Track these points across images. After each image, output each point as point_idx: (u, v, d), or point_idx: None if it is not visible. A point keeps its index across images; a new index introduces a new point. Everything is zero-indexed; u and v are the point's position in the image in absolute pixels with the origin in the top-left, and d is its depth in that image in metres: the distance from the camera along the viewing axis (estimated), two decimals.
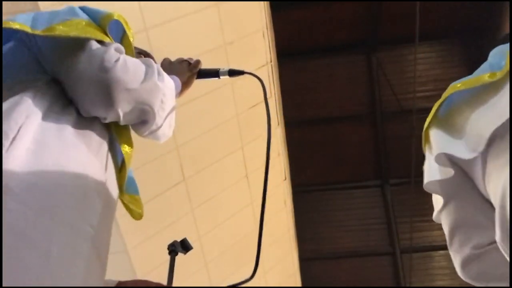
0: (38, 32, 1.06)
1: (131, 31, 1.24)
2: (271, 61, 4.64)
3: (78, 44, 1.08)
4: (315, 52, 7.00)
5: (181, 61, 1.42)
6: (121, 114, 1.11)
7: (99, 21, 1.15)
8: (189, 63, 1.42)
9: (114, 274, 1.33)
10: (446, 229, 1.21)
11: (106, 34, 1.14)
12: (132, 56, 1.20)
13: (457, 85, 1.19)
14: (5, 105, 0.96)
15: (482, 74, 1.13)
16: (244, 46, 4.30)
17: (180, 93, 1.35)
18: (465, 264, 1.14)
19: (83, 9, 1.18)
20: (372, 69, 7.12)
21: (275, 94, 4.87)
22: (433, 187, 1.24)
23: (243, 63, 4.39)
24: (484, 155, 1.06)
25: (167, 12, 3.65)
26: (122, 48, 1.15)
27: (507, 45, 1.16)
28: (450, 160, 1.15)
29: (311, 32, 6.74)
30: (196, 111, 4.05)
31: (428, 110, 1.27)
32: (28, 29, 1.06)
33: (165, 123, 1.23)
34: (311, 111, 7.34)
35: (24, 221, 0.81)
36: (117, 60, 1.07)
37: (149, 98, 1.13)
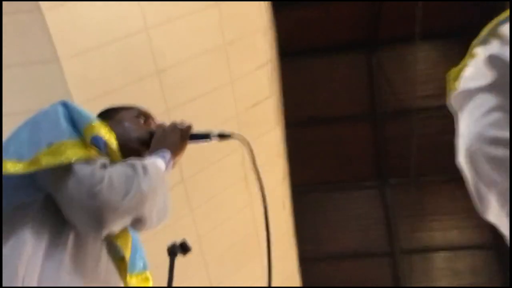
0: (22, 169, 1.11)
1: (112, 138, 1.28)
2: (271, 61, 4.64)
3: (65, 170, 1.13)
4: (315, 52, 6.99)
5: (173, 128, 1.45)
6: (114, 230, 1.19)
7: (82, 132, 1.20)
8: (181, 129, 1.47)
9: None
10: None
11: (89, 148, 1.19)
12: (117, 158, 1.26)
13: None
14: (6, 248, 1.07)
15: None
16: (244, 46, 4.30)
17: (172, 163, 1.42)
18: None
19: (68, 108, 1.22)
20: (372, 69, 7.12)
21: (275, 93, 4.87)
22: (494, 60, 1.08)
23: (243, 63, 4.39)
24: None
25: (167, 12, 3.66)
26: (107, 162, 1.19)
27: None
28: None
29: (311, 32, 6.74)
30: (196, 111, 4.05)
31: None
32: (16, 170, 1.12)
33: (159, 212, 1.29)
34: (311, 111, 7.33)
35: None
36: (101, 181, 1.12)
37: (138, 209, 1.18)
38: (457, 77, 1.20)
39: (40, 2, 2.97)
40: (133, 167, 1.21)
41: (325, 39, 6.85)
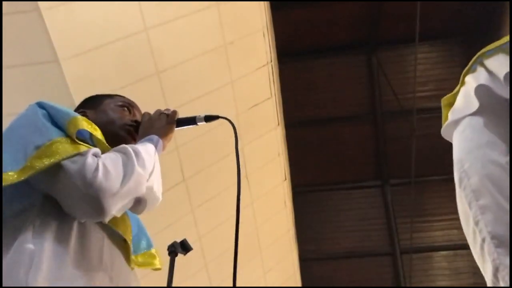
0: (17, 178, 1.12)
1: (96, 129, 1.29)
2: (271, 61, 4.64)
3: (58, 168, 1.14)
4: (315, 52, 7.00)
5: (159, 114, 1.48)
6: (117, 214, 1.20)
7: (65, 130, 1.20)
8: (167, 115, 1.49)
9: None
10: (468, 139, 1.14)
11: (77, 142, 1.20)
12: (106, 149, 1.27)
13: None
14: (10, 254, 1.07)
15: None
16: (244, 46, 4.30)
17: (162, 147, 1.43)
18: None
19: (45, 108, 1.23)
20: (372, 69, 7.12)
21: (275, 94, 4.87)
22: (483, 91, 1.16)
23: (243, 63, 4.39)
24: None
25: (167, 12, 3.66)
26: (98, 151, 1.20)
27: None
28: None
29: (311, 32, 6.74)
30: (196, 112, 4.05)
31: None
32: (12, 180, 1.12)
33: (155, 193, 1.32)
34: (311, 111, 7.34)
35: None
36: (96, 169, 1.14)
37: (136, 190, 1.21)
38: (449, 103, 1.27)
39: (40, 2, 2.97)
40: (125, 152, 1.23)
41: (325, 39, 6.86)
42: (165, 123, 1.47)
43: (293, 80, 6.90)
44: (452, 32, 6.78)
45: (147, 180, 1.24)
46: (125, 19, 3.48)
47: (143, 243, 1.46)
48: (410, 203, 7.17)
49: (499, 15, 6.13)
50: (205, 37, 3.99)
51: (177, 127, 1.51)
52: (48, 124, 1.19)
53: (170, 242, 1.52)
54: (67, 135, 1.19)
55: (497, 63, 1.17)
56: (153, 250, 1.48)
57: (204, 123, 1.56)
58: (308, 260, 7.46)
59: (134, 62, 3.64)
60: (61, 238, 1.14)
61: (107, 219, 1.18)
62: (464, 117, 1.18)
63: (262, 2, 4.30)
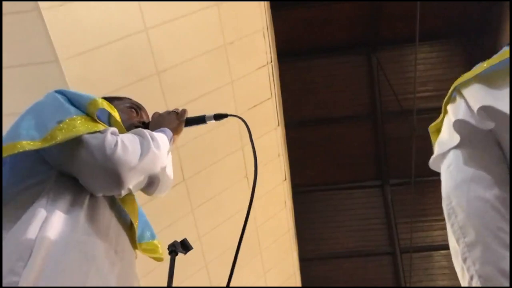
0: (40, 145, 1.16)
1: (114, 111, 1.35)
2: (271, 61, 4.64)
3: (79, 142, 1.19)
4: (315, 52, 7.00)
5: (169, 112, 1.54)
6: (133, 189, 1.26)
7: (86, 110, 1.25)
8: (177, 113, 1.55)
9: None
10: (456, 174, 1.16)
11: (97, 121, 1.26)
12: (123, 132, 1.33)
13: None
14: (18, 223, 1.09)
15: None
16: (244, 46, 4.30)
17: (172, 141, 1.47)
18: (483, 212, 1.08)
19: (64, 94, 1.28)
20: (373, 69, 7.13)
21: (275, 94, 4.87)
22: (461, 125, 1.19)
23: (243, 63, 4.39)
24: None
25: (167, 12, 3.66)
26: (116, 130, 1.27)
27: None
28: (492, 113, 1.12)
29: (311, 32, 6.74)
30: (196, 112, 4.05)
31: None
32: (33, 146, 1.16)
33: (167, 177, 1.37)
34: (311, 111, 7.34)
35: None
36: (116, 144, 1.20)
37: (152, 168, 1.27)
38: (437, 130, 1.33)
39: (40, 2, 2.97)
40: (141, 134, 1.30)
41: (325, 39, 6.86)
42: (175, 119, 1.51)
43: (293, 80, 6.91)
44: (452, 32, 6.78)
45: (162, 162, 1.30)
46: (125, 19, 3.48)
47: (147, 233, 1.50)
48: (410, 203, 7.17)
49: (499, 15, 6.13)
50: (205, 37, 3.99)
51: (186, 125, 1.55)
52: (69, 105, 1.25)
53: (170, 242, 1.52)
54: (88, 114, 1.24)
55: (473, 94, 1.20)
56: (156, 241, 1.52)
57: (213, 121, 1.60)
58: (308, 260, 7.46)
59: (134, 62, 3.64)
60: (73, 210, 1.16)
61: (124, 192, 1.23)
62: (449, 150, 1.21)
63: (262, 2, 4.30)
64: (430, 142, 1.38)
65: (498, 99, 1.11)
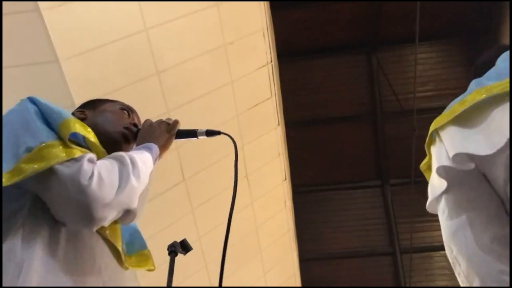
0: (6, 181, 1.08)
1: (89, 132, 1.25)
2: (271, 61, 4.64)
3: (51, 172, 1.10)
4: (315, 52, 7.00)
5: (160, 123, 1.44)
6: (105, 224, 1.17)
7: (58, 132, 1.16)
8: (168, 124, 1.45)
9: None
10: (452, 217, 1.19)
11: (70, 146, 1.15)
12: (102, 154, 1.24)
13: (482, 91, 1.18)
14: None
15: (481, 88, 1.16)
16: (244, 46, 4.30)
17: (159, 156, 1.40)
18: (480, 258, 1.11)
19: (38, 105, 1.19)
20: (372, 69, 7.12)
21: (275, 94, 4.87)
22: (443, 171, 1.22)
23: (243, 63, 4.39)
24: (505, 157, 1.06)
25: (167, 12, 3.65)
26: (93, 157, 1.17)
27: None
28: (468, 157, 1.15)
29: (311, 32, 6.74)
30: (196, 112, 4.05)
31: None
32: (4, 181, 1.08)
33: (143, 206, 1.28)
34: (311, 111, 7.34)
35: None
36: (91, 177, 1.10)
37: (128, 203, 1.18)
38: (428, 167, 1.38)
39: (40, 2, 2.97)
40: (121, 160, 1.20)
41: (325, 39, 6.86)
42: (165, 133, 1.43)
43: (293, 80, 6.90)
44: (452, 32, 6.78)
45: (140, 192, 1.21)
46: (125, 19, 3.48)
47: (137, 244, 1.44)
48: (410, 203, 7.16)
49: (499, 15, 6.13)
50: (205, 37, 3.99)
51: (177, 138, 1.48)
52: (40, 125, 1.15)
53: (170, 242, 1.51)
54: (60, 138, 1.15)
55: (449, 139, 1.23)
56: (146, 251, 1.45)
57: (205, 137, 1.52)
58: (308, 260, 7.46)
59: (134, 62, 3.64)
60: (51, 244, 1.10)
61: (95, 229, 1.16)
62: (440, 195, 1.25)
63: (262, 2, 4.30)
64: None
65: (472, 142, 1.14)
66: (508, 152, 1.06)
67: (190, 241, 1.54)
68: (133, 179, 1.18)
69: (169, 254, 1.48)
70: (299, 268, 6.55)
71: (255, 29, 4.38)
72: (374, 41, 6.92)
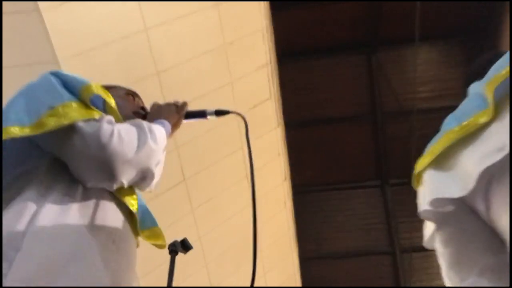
0: (28, 132, 1.08)
1: (110, 97, 1.27)
2: (270, 61, 4.64)
3: (72, 129, 1.11)
4: (315, 52, 7.00)
5: (169, 105, 1.48)
6: (125, 183, 1.18)
7: (79, 95, 1.17)
8: (177, 106, 1.48)
9: None
10: (447, 252, 1.21)
11: (91, 108, 1.17)
12: (119, 120, 1.25)
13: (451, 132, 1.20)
14: (10, 211, 1.02)
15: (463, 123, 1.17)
16: (244, 46, 4.30)
17: (170, 135, 1.42)
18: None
19: (59, 76, 1.20)
20: (372, 69, 7.12)
21: (275, 94, 4.87)
22: (427, 214, 1.26)
23: (243, 63, 4.39)
24: (483, 192, 1.07)
25: (167, 12, 3.65)
26: (112, 119, 1.19)
27: (478, 83, 1.19)
28: (445, 201, 1.18)
29: (311, 32, 6.74)
30: None
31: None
32: (22, 133, 1.08)
33: (159, 173, 1.31)
34: (311, 111, 7.34)
35: None
36: (111, 134, 1.13)
37: (147, 162, 1.20)
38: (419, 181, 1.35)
39: (40, 2, 2.97)
40: (139, 125, 1.23)
41: (325, 39, 6.86)
42: (174, 113, 1.46)
43: (293, 80, 6.90)
44: (452, 32, 6.77)
45: (157, 156, 1.24)
46: (125, 19, 3.48)
47: (148, 221, 1.45)
48: (410, 203, 7.15)
49: (499, 15, 6.13)
50: (205, 37, 3.99)
51: (186, 119, 1.50)
52: (61, 88, 1.17)
53: (170, 242, 1.52)
54: (81, 100, 1.17)
55: (427, 183, 1.25)
56: (157, 228, 1.47)
57: (214, 117, 1.56)
58: (308, 260, 7.45)
59: (134, 62, 3.64)
60: (65, 201, 1.09)
61: (115, 186, 1.17)
62: (432, 233, 1.28)
63: (262, 2, 4.30)
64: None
65: (447, 185, 1.16)
66: (485, 186, 1.07)
67: (190, 241, 1.54)
68: (150, 141, 1.21)
69: (170, 253, 1.49)
70: (299, 268, 6.55)
71: (255, 29, 4.38)
72: (374, 41, 6.92)
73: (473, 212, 1.14)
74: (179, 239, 1.52)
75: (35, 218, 1.00)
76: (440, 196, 1.16)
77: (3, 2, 2.80)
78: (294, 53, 6.83)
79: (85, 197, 1.14)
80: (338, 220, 7.95)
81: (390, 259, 8.03)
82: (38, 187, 1.07)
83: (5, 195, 1.06)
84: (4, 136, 1.07)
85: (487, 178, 1.05)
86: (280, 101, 5.15)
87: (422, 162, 1.27)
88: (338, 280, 7.97)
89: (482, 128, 1.12)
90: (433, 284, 7.97)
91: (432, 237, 1.28)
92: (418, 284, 7.94)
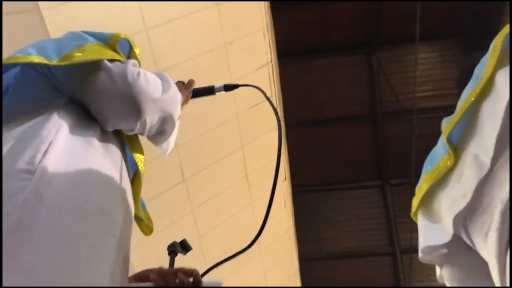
0: (56, 62, 1.05)
1: (137, 48, 1.29)
2: (271, 61, 4.64)
3: (97, 66, 1.09)
4: (315, 52, 7.00)
5: (176, 83, 1.44)
6: (148, 124, 1.16)
7: (107, 41, 1.18)
8: (183, 83, 1.48)
9: None
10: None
11: (118, 53, 1.18)
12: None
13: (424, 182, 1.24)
14: (31, 123, 0.97)
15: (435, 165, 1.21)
16: (244, 46, 4.30)
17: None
18: None
19: (87, 32, 1.20)
20: (373, 69, 7.12)
21: (275, 94, 4.87)
22: (425, 259, 1.28)
23: (243, 63, 4.39)
24: (463, 230, 1.11)
25: (167, 12, 3.65)
26: (137, 63, 1.19)
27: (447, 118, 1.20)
28: (434, 247, 1.21)
29: (311, 32, 6.74)
30: (196, 111, 4.05)
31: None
32: (46, 61, 1.06)
33: (175, 132, 1.30)
34: (311, 111, 7.34)
35: (56, 230, 0.83)
36: (138, 74, 1.12)
37: (170, 107, 1.21)
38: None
39: (40, 2, 2.97)
40: (162, 75, 1.24)
41: (325, 39, 6.86)
42: (183, 88, 1.45)
43: (293, 80, 6.90)
44: (452, 32, 6.77)
45: (178, 108, 1.25)
46: (125, 19, 3.48)
47: (142, 205, 1.42)
48: (410, 203, 7.16)
49: (498, 15, 6.13)
50: (205, 37, 3.99)
51: (194, 97, 1.50)
52: (88, 36, 1.17)
53: (170, 242, 1.51)
54: (109, 45, 1.17)
55: (419, 228, 1.27)
56: (147, 212, 1.44)
57: (223, 92, 1.55)
58: (308, 260, 7.46)
59: None
60: (86, 134, 1.05)
61: (139, 125, 1.13)
62: (440, 271, 1.28)
63: (262, 2, 4.30)
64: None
65: (436, 232, 1.18)
66: (462, 225, 1.10)
67: (190, 241, 1.54)
68: (174, 89, 1.22)
69: (169, 254, 1.48)
70: (299, 268, 6.55)
71: (255, 29, 4.38)
72: (374, 41, 6.92)
73: (468, 246, 1.16)
74: (178, 239, 1.52)
75: (60, 131, 0.96)
76: (429, 244, 1.20)
77: (3, 2, 2.80)
78: (294, 53, 6.84)
79: (104, 140, 1.10)
80: (338, 220, 7.95)
81: (390, 259, 8.04)
82: (56, 115, 1.02)
83: (18, 122, 0.98)
84: (25, 60, 1.04)
85: (462, 219, 1.10)
86: (281, 101, 5.15)
87: (414, 202, 1.31)
88: (338, 280, 7.97)
89: (451, 170, 1.16)
90: (433, 285, 7.97)
91: (441, 274, 1.30)
92: (418, 285, 7.94)
